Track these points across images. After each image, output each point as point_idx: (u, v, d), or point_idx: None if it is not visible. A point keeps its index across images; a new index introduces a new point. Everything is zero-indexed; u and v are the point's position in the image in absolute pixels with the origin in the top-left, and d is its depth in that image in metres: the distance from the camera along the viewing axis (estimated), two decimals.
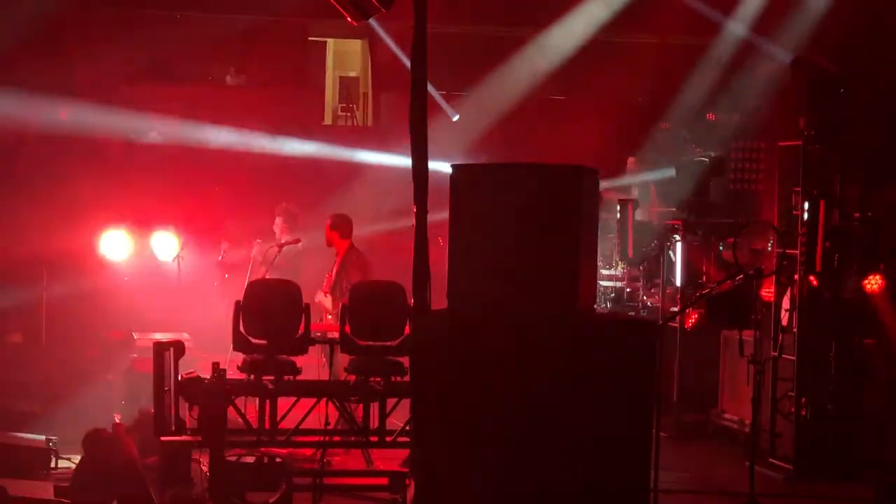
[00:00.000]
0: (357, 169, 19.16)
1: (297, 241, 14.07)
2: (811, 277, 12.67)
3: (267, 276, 13.54)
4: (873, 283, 12.72)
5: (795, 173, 12.99)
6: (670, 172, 16.09)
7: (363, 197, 17.95)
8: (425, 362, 7.96)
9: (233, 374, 11.30)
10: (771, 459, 12.81)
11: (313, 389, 11.40)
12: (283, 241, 14.04)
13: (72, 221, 15.53)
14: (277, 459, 11.10)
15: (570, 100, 20.69)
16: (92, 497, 10.20)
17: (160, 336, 13.94)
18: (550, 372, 7.91)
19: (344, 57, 22.93)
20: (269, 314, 11.23)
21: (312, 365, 12.77)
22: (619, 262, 15.53)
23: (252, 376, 11.10)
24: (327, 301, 13.26)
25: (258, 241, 14.19)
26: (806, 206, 12.73)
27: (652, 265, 15.32)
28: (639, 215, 15.97)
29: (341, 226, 13.56)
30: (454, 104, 19.60)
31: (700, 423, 14.55)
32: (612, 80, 19.32)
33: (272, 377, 11.08)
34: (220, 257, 14.71)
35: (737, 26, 17.89)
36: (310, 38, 21.70)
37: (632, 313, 14.85)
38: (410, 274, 7.93)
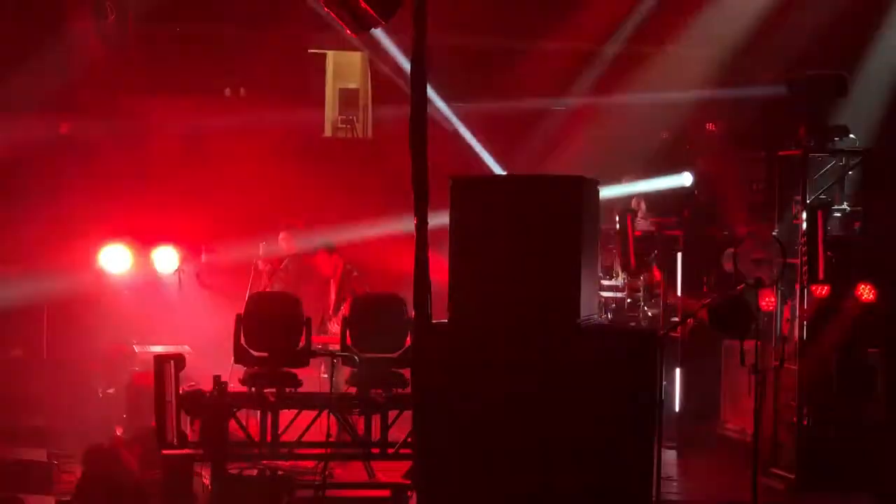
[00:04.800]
0: (357, 180, 19.16)
1: (299, 255, 14.08)
2: (812, 287, 12.67)
3: (269, 290, 13.56)
4: (867, 292, 12.72)
5: (795, 183, 12.99)
6: (684, 179, 16.09)
7: (363, 208, 17.94)
8: (426, 374, 7.96)
9: (234, 387, 11.29)
10: (773, 469, 12.80)
11: (315, 402, 11.39)
12: (286, 256, 14.05)
13: (72, 235, 15.52)
14: (279, 472, 11.09)
15: (570, 110, 20.67)
16: None
17: (161, 349, 13.97)
18: (552, 383, 7.91)
19: (344, 69, 22.92)
20: (270, 327, 11.23)
21: (313, 377, 12.76)
22: (620, 273, 15.53)
23: (253, 389, 11.09)
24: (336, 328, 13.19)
25: (262, 242, 14.20)
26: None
27: (652, 275, 15.32)
28: (639, 226, 15.98)
29: (332, 248, 13.57)
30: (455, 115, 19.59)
31: (702, 434, 14.53)
32: (613, 88, 19.31)
33: (273, 390, 11.07)
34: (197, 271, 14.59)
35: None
36: (309, 50, 21.70)
37: (633, 324, 14.84)
38: (411, 286, 7.92)
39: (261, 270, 14.12)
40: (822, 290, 12.74)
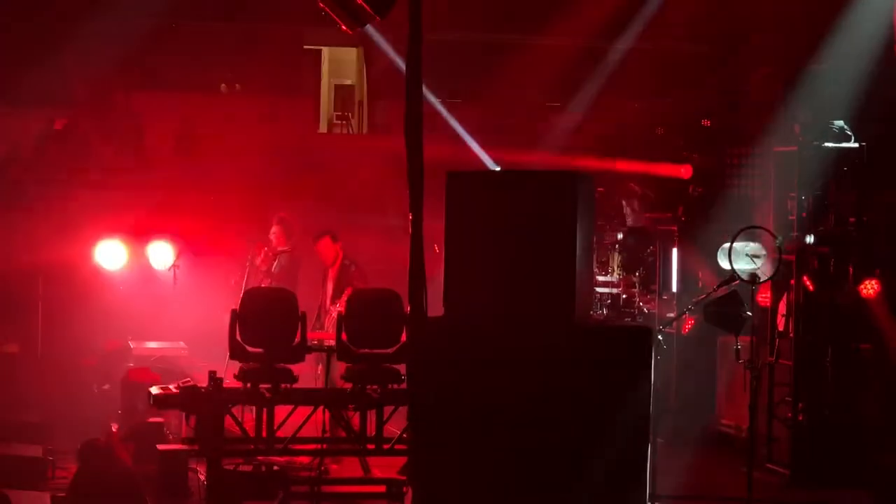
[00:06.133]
0: (352, 176, 19.18)
1: (291, 250, 14.09)
2: (805, 278, 12.68)
3: (263, 285, 13.57)
4: (869, 287, 12.72)
5: (791, 178, 12.99)
6: (684, 171, 16.10)
7: (359, 204, 17.97)
8: (422, 370, 7.96)
9: (229, 382, 11.29)
10: (768, 465, 12.81)
11: (310, 398, 11.40)
12: (277, 250, 14.07)
13: (67, 231, 15.53)
14: (275, 468, 11.11)
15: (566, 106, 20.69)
16: None
17: (155, 345, 13.98)
18: (547, 379, 7.91)
19: (339, 65, 22.96)
20: (266, 322, 11.23)
21: (307, 373, 12.76)
22: (616, 269, 15.53)
23: (249, 385, 11.09)
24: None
25: (265, 249, 14.23)
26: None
27: (648, 271, 15.33)
28: (631, 221, 16.00)
29: (335, 237, 13.59)
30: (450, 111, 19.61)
31: (697, 429, 14.54)
32: (606, 86, 19.32)
33: (269, 385, 11.07)
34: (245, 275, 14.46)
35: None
36: (305, 47, 21.72)
37: (628, 320, 14.84)
38: (407, 281, 7.92)
39: (257, 267, 14.12)
40: (815, 286, 12.75)
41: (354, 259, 13.67)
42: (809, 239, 12.81)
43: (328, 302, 13.52)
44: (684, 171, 16.17)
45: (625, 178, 16.75)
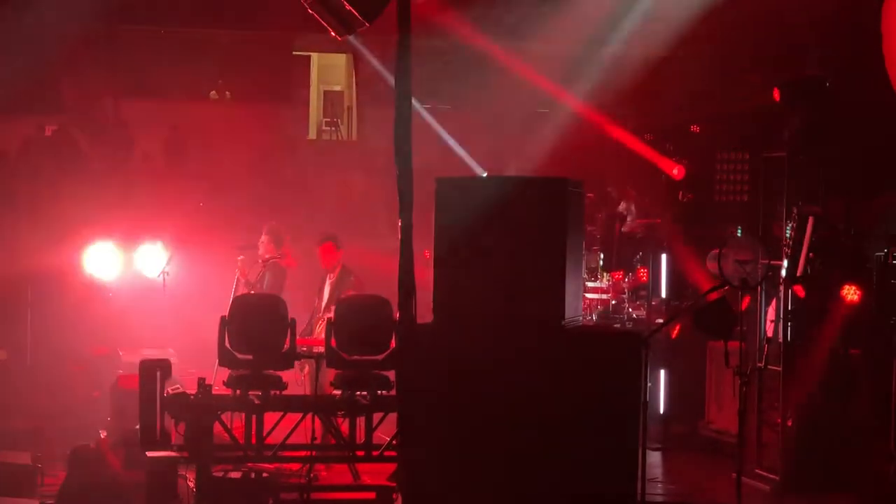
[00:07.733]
0: (342, 182, 19.19)
1: (280, 258, 14.05)
2: (796, 287, 12.69)
3: (251, 293, 13.54)
4: (852, 293, 12.74)
5: (780, 184, 13.01)
6: (676, 171, 16.14)
7: (348, 210, 17.97)
8: (411, 376, 7.96)
9: (219, 389, 11.27)
10: (758, 470, 12.81)
11: (300, 404, 11.38)
12: (266, 258, 14.01)
13: (56, 238, 15.49)
14: (264, 475, 11.09)
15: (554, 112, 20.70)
16: None
17: (146, 352, 13.93)
18: (537, 385, 7.92)
19: (328, 71, 22.96)
20: (255, 329, 11.22)
21: (298, 379, 12.75)
22: (605, 275, 15.56)
23: (238, 391, 11.08)
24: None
25: (240, 257, 14.18)
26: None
27: (638, 277, 15.37)
28: (630, 221, 16.02)
29: (339, 243, 13.55)
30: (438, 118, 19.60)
31: (687, 435, 14.56)
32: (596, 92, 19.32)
33: (258, 392, 11.07)
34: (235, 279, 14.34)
35: None
36: (294, 53, 21.73)
37: (618, 325, 14.85)
38: (396, 288, 7.92)
39: (241, 282, 14.07)
40: (804, 292, 12.77)
41: (353, 269, 13.61)
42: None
43: (322, 308, 13.48)
44: (677, 172, 16.20)
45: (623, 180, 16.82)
